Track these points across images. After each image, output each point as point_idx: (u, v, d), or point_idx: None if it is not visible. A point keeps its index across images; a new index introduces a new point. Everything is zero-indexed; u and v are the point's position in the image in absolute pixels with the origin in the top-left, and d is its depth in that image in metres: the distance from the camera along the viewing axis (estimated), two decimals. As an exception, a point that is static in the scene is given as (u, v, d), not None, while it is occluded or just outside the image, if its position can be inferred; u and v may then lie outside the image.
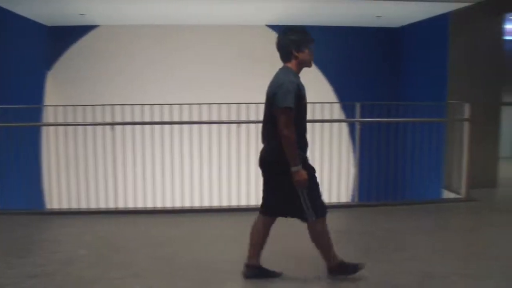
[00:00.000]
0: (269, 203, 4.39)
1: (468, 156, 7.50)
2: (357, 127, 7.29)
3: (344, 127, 8.24)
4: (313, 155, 7.09)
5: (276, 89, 4.12)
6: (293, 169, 4.07)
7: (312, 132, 7.07)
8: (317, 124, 7.14)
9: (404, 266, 4.81)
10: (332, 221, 6.55)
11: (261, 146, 4.38)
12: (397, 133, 7.69)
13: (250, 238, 4.45)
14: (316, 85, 10.29)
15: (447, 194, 8.10)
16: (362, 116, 7.42)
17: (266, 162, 4.31)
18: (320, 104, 7.27)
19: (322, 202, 4.38)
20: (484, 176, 8.28)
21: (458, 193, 7.76)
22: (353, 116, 7.45)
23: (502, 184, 8.49)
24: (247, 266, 4.46)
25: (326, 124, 7.30)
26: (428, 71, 9.36)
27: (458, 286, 4.39)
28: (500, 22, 8.57)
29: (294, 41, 4.24)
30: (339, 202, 7.15)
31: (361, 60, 10.68)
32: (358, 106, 7.23)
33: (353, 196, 7.78)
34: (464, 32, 8.39)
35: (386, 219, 6.55)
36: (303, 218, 4.27)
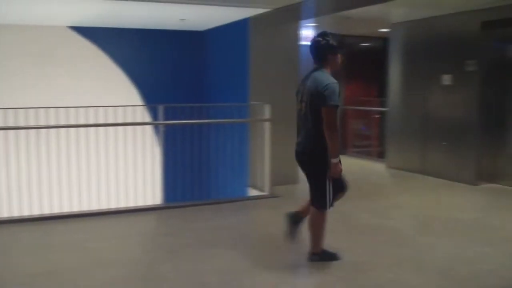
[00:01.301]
0: None
1: (270, 154, 7.88)
2: (161, 129, 7.31)
3: (149, 129, 8.20)
4: (118, 159, 7.03)
5: (322, 89, 4.48)
6: (333, 160, 4.52)
7: (116, 136, 6.96)
8: (121, 128, 7.02)
9: (208, 264, 4.90)
10: (139, 224, 6.57)
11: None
12: (203, 134, 7.83)
13: (310, 230, 4.90)
14: (121, 88, 10.15)
15: (252, 192, 8.41)
16: (167, 118, 7.45)
17: (306, 154, 4.73)
18: (123, 107, 7.15)
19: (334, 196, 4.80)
20: (286, 173, 8.72)
21: (262, 190, 8.10)
22: (158, 119, 7.45)
23: (302, 180, 8.98)
24: (314, 254, 4.91)
25: (130, 127, 7.20)
26: (231, 74, 9.65)
27: (261, 278, 4.57)
28: (296, 28, 9.09)
29: (329, 45, 4.63)
30: (146, 205, 7.10)
31: (166, 62, 10.72)
32: (161, 109, 7.25)
33: (160, 198, 7.77)
34: (264, 37, 8.76)
35: (191, 219, 6.63)
36: (314, 203, 4.77)
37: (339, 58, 4.74)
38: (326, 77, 4.59)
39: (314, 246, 4.92)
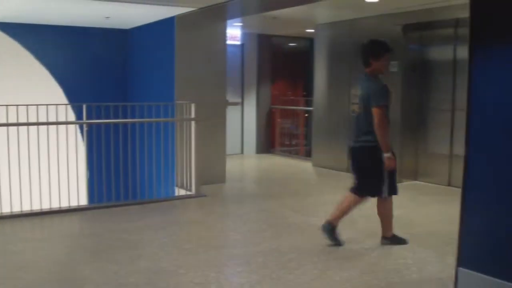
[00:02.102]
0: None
1: (196, 154, 7.86)
2: (85, 128, 7.16)
3: (74, 129, 8.00)
4: (41, 159, 6.81)
5: (373, 91, 5.05)
6: (386, 155, 5.06)
7: (38, 135, 6.75)
8: (43, 127, 6.82)
9: (132, 265, 4.84)
10: (63, 226, 6.42)
11: None
12: (129, 134, 7.70)
13: (380, 217, 5.41)
14: (44, 87, 9.86)
15: (179, 192, 8.37)
16: (91, 117, 7.30)
17: (364, 150, 5.24)
18: (46, 106, 6.95)
19: (395, 184, 5.32)
20: (214, 172, 8.73)
21: (189, 190, 8.08)
22: (82, 118, 7.29)
23: (229, 179, 9.04)
24: (385, 238, 5.42)
25: (54, 126, 7.00)
26: (158, 73, 9.55)
27: (187, 278, 4.54)
28: (223, 27, 9.09)
29: (371, 51, 5.16)
30: (70, 206, 6.93)
31: (91, 61, 10.51)
32: (85, 108, 7.10)
33: (85, 199, 7.61)
34: (190, 36, 8.71)
35: (116, 220, 6.54)
36: (375, 194, 5.28)
37: (383, 62, 5.19)
38: (373, 81, 5.16)
39: (384, 231, 5.42)
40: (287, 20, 10.05)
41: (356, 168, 5.40)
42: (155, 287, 4.35)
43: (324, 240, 5.39)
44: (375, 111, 5.01)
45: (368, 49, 5.21)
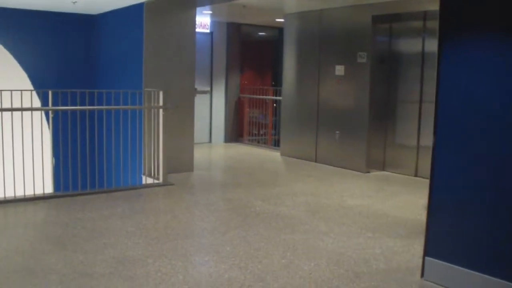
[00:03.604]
0: None
1: (164, 142, 7.80)
2: (50, 115, 7.02)
3: (39, 116, 7.84)
4: (5, 146, 6.67)
5: None
6: None
7: (1, 122, 6.61)
8: (7, 113, 6.67)
9: (98, 254, 4.77)
10: (27, 214, 6.31)
11: None
12: (96, 121, 7.59)
13: None
14: (9, 72, 9.65)
15: (146, 180, 8.30)
16: (56, 104, 7.17)
17: None
18: (10, 91, 6.79)
19: None
20: (181, 161, 8.67)
21: (156, 179, 8.01)
22: (47, 105, 7.15)
23: (197, 168, 9.00)
24: None
25: (18, 113, 6.86)
26: (125, 60, 9.43)
27: (154, 267, 4.50)
28: (192, 15, 9.00)
29: None
30: (35, 195, 6.80)
31: (57, 46, 10.33)
32: (50, 94, 6.96)
33: (51, 187, 7.48)
34: (159, 23, 8.61)
35: (82, 209, 6.43)
36: None
37: None
38: None
39: None
40: (256, 8, 10.02)
41: None
42: (122, 277, 4.30)
43: (290, 229, 5.40)
44: None
45: None
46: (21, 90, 6.82)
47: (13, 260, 4.68)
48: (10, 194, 6.69)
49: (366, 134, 8.98)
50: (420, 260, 4.28)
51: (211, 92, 12.57)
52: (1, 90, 6.69)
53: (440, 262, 4.09)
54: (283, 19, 10.76)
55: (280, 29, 12.15)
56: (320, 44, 9.71)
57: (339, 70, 9.31)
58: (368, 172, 8.97)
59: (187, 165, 8.81)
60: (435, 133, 4.11)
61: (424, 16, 8.39)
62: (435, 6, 4.08)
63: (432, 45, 8.14)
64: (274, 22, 11.98)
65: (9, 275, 4.32)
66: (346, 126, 9.31)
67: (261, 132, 12.91)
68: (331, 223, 5.95)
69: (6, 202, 6.54)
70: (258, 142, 12.71)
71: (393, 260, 4.80)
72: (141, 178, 8.50)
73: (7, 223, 5.95)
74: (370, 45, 8.83)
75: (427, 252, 4.21)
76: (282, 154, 10.75)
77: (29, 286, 4.08)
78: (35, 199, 6.74)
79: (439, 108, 4.08)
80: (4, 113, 6.67)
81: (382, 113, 9.06)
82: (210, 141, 12.64)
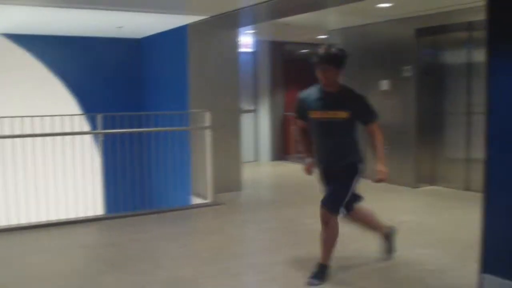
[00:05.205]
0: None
1: (212, 161, 7.84)
2: (100, 139, 7.15)
3: (88, 139, 8.00)
4: (57, 169, 6.84)
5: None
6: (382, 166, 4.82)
7: (54, 146, 6.77)
8: (59, 138, 6.84)
9: (150, 275, 4.82)
10: (80, 236, 6.42)
11: None
12: (144, 143, 7.71)
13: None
14: (57, 97, 9.89)
15: (195, 200, 8.35)
16: (106, 127, 7.31)
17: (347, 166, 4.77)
18: (61, 116, 6.97)
19: None
20: (230, 180, 8.70)
21: (205, 198, 8.05)
22: (96, 128, 7.29)
23: (246, 187, 9.01)
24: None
25: (69, 137, 7.02)
26: (171, 82, 9.55)
27: (206, 287, 4.52)
28: (235, 35, 9.09)
29: (314, 61, 4.55)
30: (87, 216, 6.93)
31: (104, 71, 10.53)
32: (99, 118, 7.10)
33: (102, 209, 7.61)
34: (203, 44, 8.72)
35: (133, 230, 6.52)
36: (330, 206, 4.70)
37: (318, 72, 4.58)
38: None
39: (376, 229, 5.16)
40: (299, 26, 10.03)
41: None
42: (174, 297, 4.33)
43: (343, 247, 5.33)
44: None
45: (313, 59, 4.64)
46: (71, 115, 6.98)
47: (70, 281, 4.76)
48: (63, 216, 6.82)
49: (414, 148, 8.85)
50: (476, 277, 4.18)
51: (256, 111, 12.61)
52: (52, 115, 6.86)
53: (498, 278, 3.98)
54: (326, 35, 10.75)
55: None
56: (365, 59, 9.65)
57: (384, 84, 9.23)
58: (417, 187, 8.82)
59: (236, 184, 8.84)
60: (486, 145, 4.03)
61: (469, 26, 8.25)
62: (479, 17, 4.01)
63: (478, 55, 8.00)
64: (317, 39, 11.97)
65: (65, 297, 4.39)
66: (394, 140, 9.15)
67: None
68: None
69: (59, 224, 6.66)
70: (304, 159, 12.60)
71: (447, 277, 4.69)
72: (190, 198, 8.55)
73: (62, 244, 6.05)
74: (414, 58, 8.73)
75: (483, 268, 4.10)
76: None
77: (85, 307, 4.15)
78: (87, 221, 6.86)
79: (491, 119, 4.00)
80: (55, 137, 6.83)
81: (430, 126, 8.92)
82: (256, 159, 12.65)
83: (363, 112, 4.65)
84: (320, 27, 10.41)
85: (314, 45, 12.93)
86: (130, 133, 7.79)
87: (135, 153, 7.45)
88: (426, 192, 8.62)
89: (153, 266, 5.07)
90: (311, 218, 6.91)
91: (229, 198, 8.20)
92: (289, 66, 12.89)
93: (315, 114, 4.64)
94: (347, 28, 10.06)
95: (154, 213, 7.43)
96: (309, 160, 5.02)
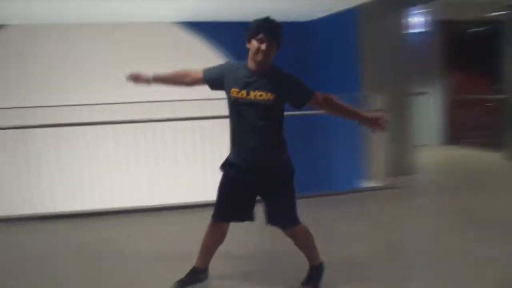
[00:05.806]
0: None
1: (385, 145, 7.68)
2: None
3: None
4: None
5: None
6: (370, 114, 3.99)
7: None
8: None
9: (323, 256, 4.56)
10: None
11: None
12: (313, 126, 7.72)
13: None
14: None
15: (368, 183, 8.24)
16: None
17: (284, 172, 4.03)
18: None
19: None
20: (402, 164, 8.48)
21: (378, 182, 7.91)
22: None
23: (420, 171, 8.70)
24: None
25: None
26: (340, 65, 9.47)
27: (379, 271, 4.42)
28: (406, 15, 8.81)
29: (245, 34, 3.83)
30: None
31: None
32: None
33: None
34: (373, 26, 8.55)
35: (305, 211, 6.52)
36: (293, 221, 4.06)
37: (252, 45, 3.81)
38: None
39: (311, 260, 4.22)
40: (473, 3, 9.48)
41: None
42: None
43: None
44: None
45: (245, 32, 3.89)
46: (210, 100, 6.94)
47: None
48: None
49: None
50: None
51: (427, 93, 12.15)
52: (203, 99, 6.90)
53: None
54: (505, 11, 10.01)
55: (496, 23, 11.33)
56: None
57: None
58: None
59: (409, 168, 8.59)
60: None
61: None
62: None
63: None
64: (490, 16, 11.22)
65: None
66: None
67: (479, 134, 12.13)
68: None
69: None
70: (476, 144, 11.92)
71: None
72: (361, 181, 8.44)
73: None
74: None
75: None
76: (507, 158, 9.93)
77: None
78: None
79: None
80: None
81: None
82: (427, 143, 12.18)
83: (299, 90, 3.95)
84: (496, 1, 9.73)
85: (488, 23, 12.27)
86: (301, 116, 7.81)
87: (309, 137, 7.47)
88: None
89: (326, 248, 4.51)
90: (486, 204, 6.52)
91: (402, 182, 7.97)
92: (460, 46, 12.26)
93: (236, 94, 3.80)
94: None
95: (329, 195, 7.44)
96: (149, 78, 4.11)
